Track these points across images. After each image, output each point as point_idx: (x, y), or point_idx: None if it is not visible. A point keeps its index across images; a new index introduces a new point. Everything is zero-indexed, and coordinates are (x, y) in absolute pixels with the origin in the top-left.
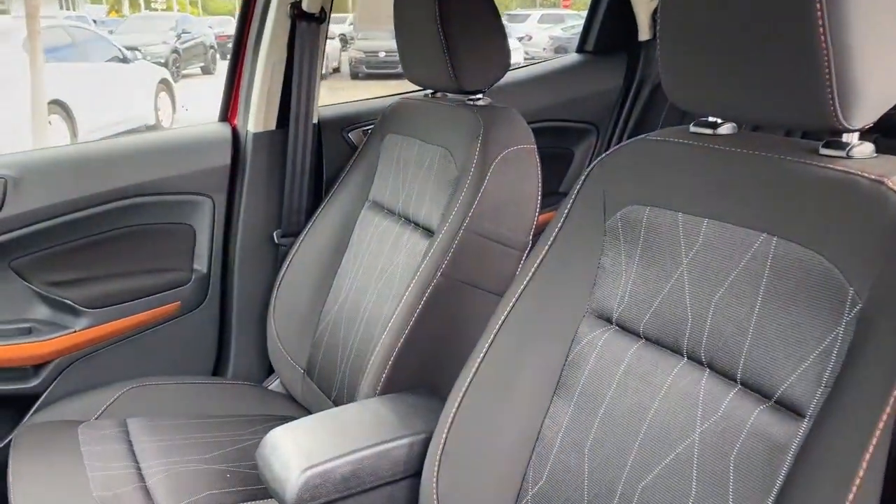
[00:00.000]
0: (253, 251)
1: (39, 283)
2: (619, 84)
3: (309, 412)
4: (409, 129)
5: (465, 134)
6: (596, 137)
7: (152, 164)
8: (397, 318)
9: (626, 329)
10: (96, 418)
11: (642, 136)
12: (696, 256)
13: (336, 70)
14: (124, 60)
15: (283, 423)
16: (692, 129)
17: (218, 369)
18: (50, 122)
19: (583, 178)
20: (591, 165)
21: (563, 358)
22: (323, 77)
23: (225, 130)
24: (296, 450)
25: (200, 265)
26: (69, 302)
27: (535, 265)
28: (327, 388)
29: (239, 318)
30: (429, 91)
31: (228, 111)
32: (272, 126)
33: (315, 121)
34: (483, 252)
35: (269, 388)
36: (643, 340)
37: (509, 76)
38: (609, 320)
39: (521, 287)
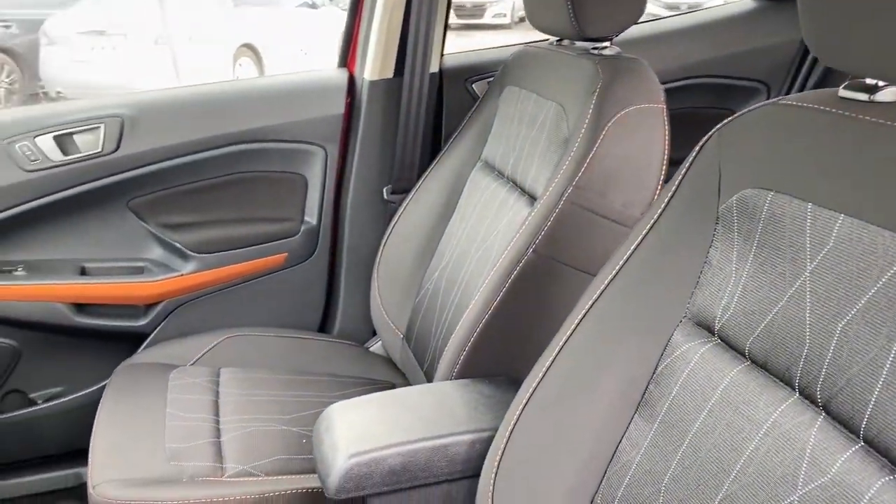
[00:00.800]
0: (363, 206)
1: (154, 224)
2: (798, 37)
3: (406, 379)
4: (529, 80)
5: (580, 88)
6: (767, 98)
7: (268, 110)
8: (482, 296)
9: (728, 344)
10: (191, 364)
11: (774, 99)
12: (824, 263)
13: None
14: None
15: (376, 389)
16: (841, 92)
17: (324, 326)
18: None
19: (697, 148)
20: (709, 134)
21: (651, 369)
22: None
23: (341, 77)
24: (347, 432)
25: (311, 217)
26: (179, 245)
27: (632, 249)
28: (421, 357)
29: (347, 276)
30: (554, 38)
31: (347, 57)
32: (389, 74)
33: (435, 70)
34: (586, 228)
35: (371, 349)
36: (748, 362)
37: (661, 24)
38: (710, 330)
39: (612, 274)
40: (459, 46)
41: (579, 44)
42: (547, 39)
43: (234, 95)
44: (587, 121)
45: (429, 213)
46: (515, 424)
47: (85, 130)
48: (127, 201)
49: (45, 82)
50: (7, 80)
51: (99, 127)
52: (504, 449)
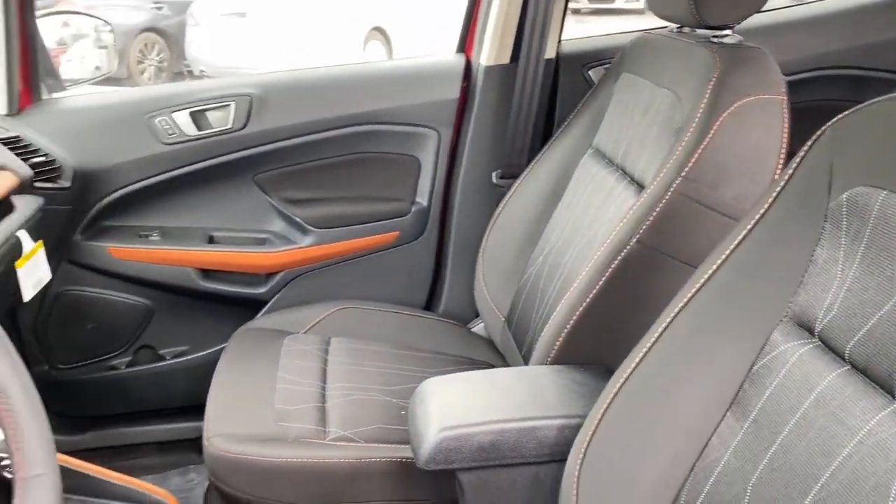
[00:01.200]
0: (473, 189)
1: (277, 199)
2: None
3: (505, 361)
4: (645, 68)
5: (696, 76)
6: None
7: (386, 94)
8: (581, 283)
9: (828, 346)
10: (304, 332)
11: (893, 94)
12: None
13: None
14: None
15: (474, 369)
16: None
17: (430, 304)
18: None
19: (810, 142)
20: (823, 128)
21: (747, 367)
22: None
23: (458, 62)
24: (440, 406)
25: (422, 198)
26: (299, 219)
27: (736, 242)
28: (520, 341)
29: (454, 257)
30: (675, 26)
31: (465, 42)
32: (505, 60)
33: (551, 55)
34: (694, 220)
35: (473, 330)
36: (847, 366)
37: (789, 13)
38: (810, 331)
39: (714, 267)
40: (586, 32)
41: (700, 31)
42: (668, 27)
43: (355, 79)
44: (701, 110)
45: (536, 198)
46: (605, 412)
47: (217, 108)
48: (253, 176)
49: (189, 62)
50: (157, 58)
51: (230, 105)
52: (592, 436)
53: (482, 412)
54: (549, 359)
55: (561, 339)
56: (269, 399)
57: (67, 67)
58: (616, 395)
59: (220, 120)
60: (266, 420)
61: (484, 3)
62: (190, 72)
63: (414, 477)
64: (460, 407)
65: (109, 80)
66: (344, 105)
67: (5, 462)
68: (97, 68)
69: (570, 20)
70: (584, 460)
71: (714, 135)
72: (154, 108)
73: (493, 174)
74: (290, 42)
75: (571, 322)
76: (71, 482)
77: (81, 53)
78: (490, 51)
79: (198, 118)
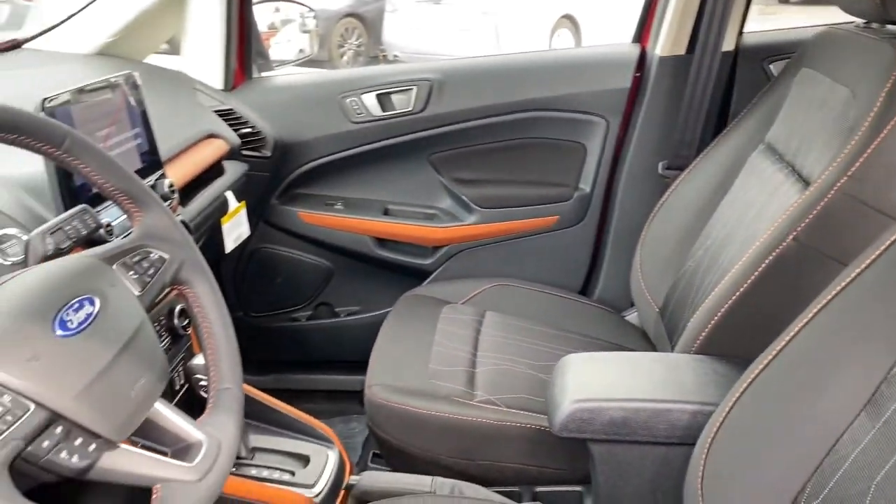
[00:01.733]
0: (638, 179)
1: (448, 178)
2: None
3: (656, 352)
4: (825, 63)
5: (875, 73)
6: None
7: (557, 81)
8: (732, 276)
9: None
10: (462, 303)
11: None
12: None
13: None
14: None
15: (655, 353)
16: None
17: (586, 289)
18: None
19: None
20: None
21: (886, 369)
22: None
23: (632, 52)
24: (578, 379)
25: (585, 185)
26: (466, 198)
27: (891, 241)
28: (671, 332)
29: (613, 245)
30: (862, 20)
31: (642, 32)
32: (681, 51)
33: (730, 48)
34: (855, 220)
35: (627, 318)
36: None
37: None
38: None
39: (864, 265)
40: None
41: (889, 27)
42: (854, 21)
43: (528, 66)
44: (876, 109)
45: (701, 191)
46: (737, 401)
47: (400, 91)
48: (428, 155)
49: (385, 46)
50: (356, 42)
51: (412, 89)
52: (722, 423)
53: (617, 389)
54: (693, 348)
55: (707, 329)
56: (425, 358)
57: (276, 49)
58: (750, 384)
59: (403, 102)
60: (421, 376)
61: None
62: (385, 56)
63: (549, 445)
64: (596, 382)
65: (312, 63)
66: (516, 91)
67: (203, 382)
68: (301, 51)
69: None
70: (712, 446)
71: (887, 135)
72: (346, 90)
73: (660, 165)
74: (482, 29)
75: (719, 314)
76: (253, 409)
77: (288, 37)
78: (666, 41)
79: (383, 100)
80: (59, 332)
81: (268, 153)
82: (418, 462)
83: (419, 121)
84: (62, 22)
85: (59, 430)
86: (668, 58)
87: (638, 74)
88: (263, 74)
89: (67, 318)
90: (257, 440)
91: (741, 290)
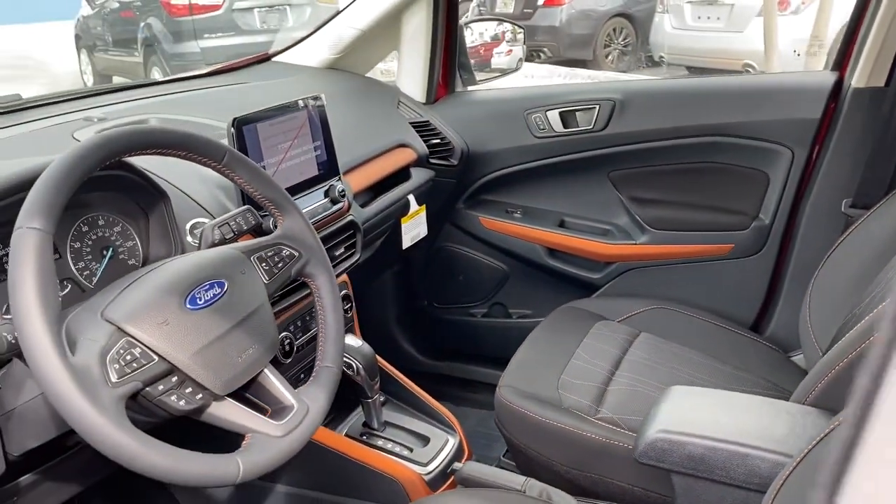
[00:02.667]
0: (820, 214)
1: (625, 196)
2: None
3: None
4: None
5: None
6: None
7: (743, 106)
8: (860, 329)
9: None
10: (617, 321)
11: None
12: None
13: None
14: None
15: (774, 396)
16: None
17: (758, 324)
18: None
19: None
20: None
21: None
22: None
23: (826, 81)
24: (671, 410)
25: (765, 215)
26: (639, 217)
27: None
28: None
29: (791, 281)
30: None
31: (842, 60)
32: (880, 83)
33: None
34: None
35: (793, 359)
36: None
37: None
38: None
39: None
40: None
41: None
42: None
43: (714, 90)
44: None
45: (883, 233)
46: (808, 453)
47: (584, 109)
48: (607, 172)
49: (651, 47)
50: (622, 42)
51: (595, 108)
52: (789, 475)
53: (702, 425)
54: (807, 398)
55: (823, 381)
56: (559, 369)
57: (497, 59)
58: (823, 438)
59: (585, 120)
60: (550, 386)
61: (866, 21)
62: (650, 57)
63: (658, 471)
64: (687, 415)
65: (575, 63)
66: (700, 115)
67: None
68: (520, 60)
69: None
70: (776, 497)
71: None
72: (532, 106)
73: (844, 202)
74: (755, 31)
75: (838, 366)
76: (395, 390)
77: (507, 48)
78: (863, 72)
79: (566, 117)
80: (189, 306)
81: (454, 162)
82: (534, 464)
83: (600, 138)
84: (302, 40)
85: (174, 379)
86: (865, 89)
87: (830, 105)
88: (468, 88)
89: (198, 295)
90: (391, 416)
91: (865, 342)
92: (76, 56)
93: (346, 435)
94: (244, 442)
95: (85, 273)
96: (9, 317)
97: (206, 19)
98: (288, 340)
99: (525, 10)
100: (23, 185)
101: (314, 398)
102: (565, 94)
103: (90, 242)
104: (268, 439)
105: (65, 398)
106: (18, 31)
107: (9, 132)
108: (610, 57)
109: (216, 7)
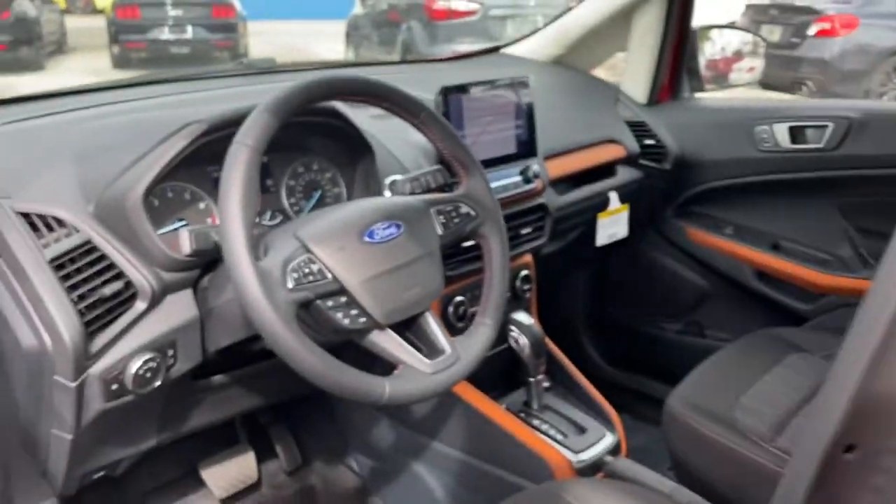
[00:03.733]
0: None
1: (852, 225)
2: None
3: None
4: None
5: None
6: None
7: None
8: None
9: None
10: (819, 357)
11: None
12: None
13: None
14: None
15: None
16: None
17: None
18: None
19: None
20: None
21: None
22: None
23: None
24: None
25: None
26: (864, 252)
27: None
28: None
29: None
30: None
31: None
32: None
33: None
34: None
35: None
36: None
37: None
38: None
39: None
40: None
41: None
42: None
43: None
44: None
45: None
46: None
47: (815, 126)
48: (833, 197)
49: None
50: None
51: (828, 126)
52: None
53: None
54: None
55: None
56: (741, 390)
57: (736, 75)
58: None
59: (815, 138)
60: (726, 405)
61: None
62: None
63: None
64: None
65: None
66: None
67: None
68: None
69: None
70: None
71: None
72: (759, 118)
73: None
74: None
75: None
76: (563, 378)
77: (749, 65)
78: None
79: (795, 133)
80: (366, 239)
81: (667, 166)
82: (695, 481)
83: (830, 159)
84: (531, 34)
85: (342, 300)
86: None
87: None
88: (696, 95)
89: (376, 231)
90: (552, 402)
91: None
92: (343, 51)
93: (506, 409)
94: (395, 371)
95: (295, 208)
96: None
97: (461, 24)
98: (463, 307)
99: (792, 40)
100: (239, 120)
101: (466, 349)
102: (797, 108)
103: (303, 183)
104: (417, 373)
105: (248, 291)
106: (296, 26)
107: (262, 87)
108: (885, 98)
109: (472, 13)
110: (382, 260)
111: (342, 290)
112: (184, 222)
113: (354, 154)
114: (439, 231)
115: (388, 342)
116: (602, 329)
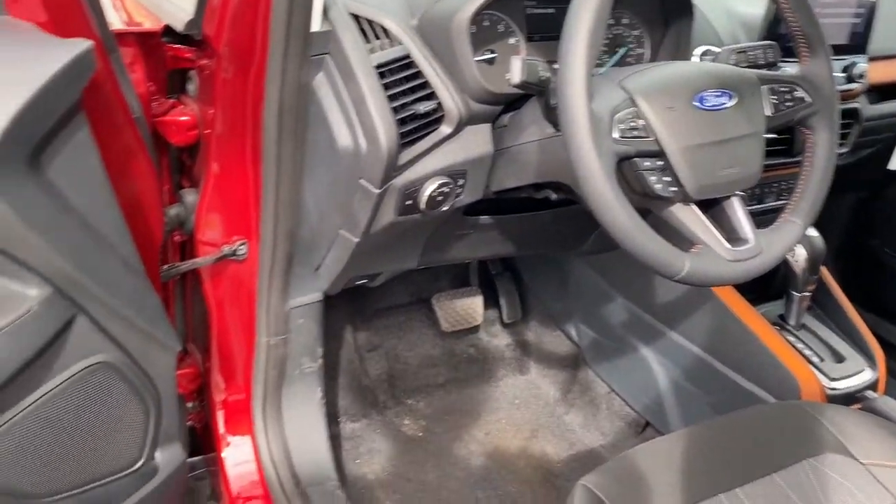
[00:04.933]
0: None
1: None
2: None
3: None
4: None
5: None
6: None
7: None
8: None
9: None
10: None
11: None
12: None
13: None
14: None
15: None
16: None
17: None
18: None
19: None
20: None
21: None
22: None
23: None
24: None
25: None
26: None
27: None
28: None
29: None
30: None
31: None
32: None
33: None
34: None
35: None
36: None
37: None
38: None
39: None
40: None
41: None
42: None
43: None
44: None
45: None
46: None
47: None
48: None
49: None
50: None
51: None
52: None
53: None
54: None
55: None
56: None
57: None
58: None
59: None
60: None
61: None
62: None
63: None
64: None
65: None
66: None
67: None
68: None
69: None
70: None
71: None
72: None
73: None
74: None
75: None
76: (828, 305)
77: None
78: None
79: None
80: (695, 103)
81: None
82: None
83: None
84: None
85: (658, 163)
86: None
87: None
88: None
89: (707, 97)
90: (811, 323)
91: None
92: None
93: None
94: (693, 248)
95: (596, 62)
96: (556, 66)
97: None
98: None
99: None
100: None
101: (770, 244)
102: None
103: (609, 36)
104: (716, 257)
105: (578, 133)
106: None
107: None
108: None
109: None
110: (707, 130)
111: (661, 154)
112: (494, 55)
113: (671, 13)
114: (768, 112)
115: (693, 218)
116: (859, 267)
